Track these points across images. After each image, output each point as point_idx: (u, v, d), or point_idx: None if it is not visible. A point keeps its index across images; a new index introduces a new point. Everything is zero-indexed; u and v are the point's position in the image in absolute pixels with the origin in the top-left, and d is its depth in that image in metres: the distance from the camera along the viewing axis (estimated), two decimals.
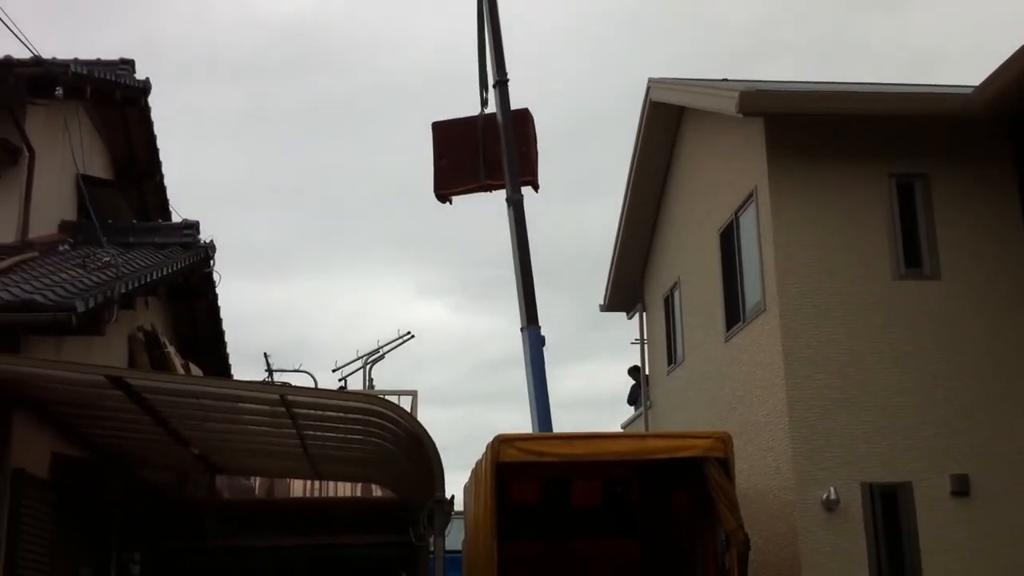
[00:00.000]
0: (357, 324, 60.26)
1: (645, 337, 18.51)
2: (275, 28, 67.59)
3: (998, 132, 12.25)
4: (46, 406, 9.66)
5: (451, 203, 17.62)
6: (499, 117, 16.82)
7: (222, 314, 15.74)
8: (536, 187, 17.13)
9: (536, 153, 17.33)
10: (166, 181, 15.71)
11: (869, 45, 61.69)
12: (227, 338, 16.39)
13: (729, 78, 14.55)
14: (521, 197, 16.55)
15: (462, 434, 50.31)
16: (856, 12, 64.16)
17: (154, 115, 14.75)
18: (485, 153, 17.10)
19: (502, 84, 16.89)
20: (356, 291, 63.17)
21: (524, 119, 17.21)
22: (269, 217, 67.38)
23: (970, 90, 11.79)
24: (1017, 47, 11.00)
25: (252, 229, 62.24)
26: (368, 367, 29.71)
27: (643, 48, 66.22)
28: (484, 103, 17.36)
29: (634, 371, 19.56)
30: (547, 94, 63.71)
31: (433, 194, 17.50)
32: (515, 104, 17.02)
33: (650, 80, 15.70)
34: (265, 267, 62.92)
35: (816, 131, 12.19)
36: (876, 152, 12.24)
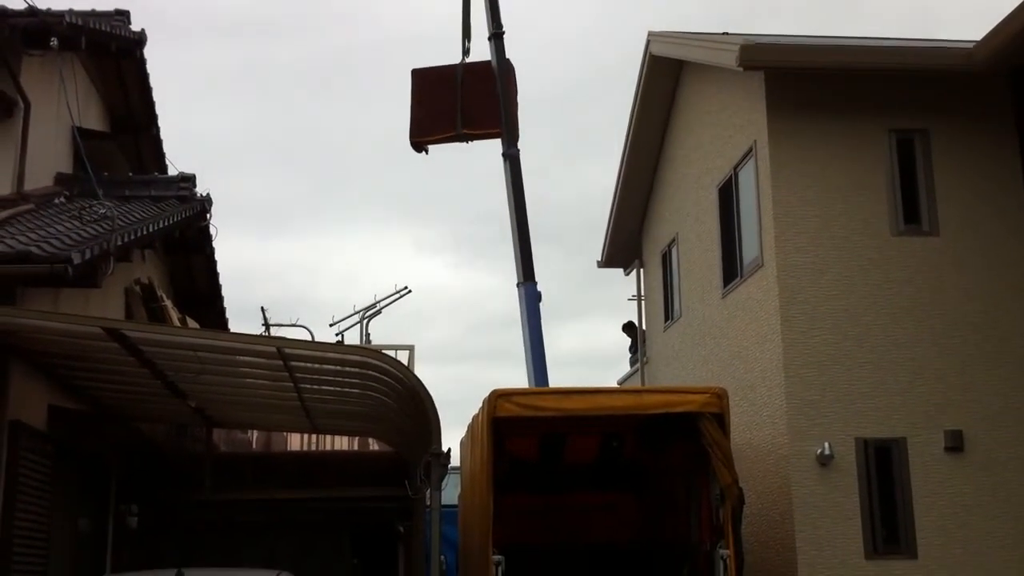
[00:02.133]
0: (354, 281, 60.21)
1: (643, 293, 18.52)
2: None
3: (999, 87, 12.19)
4: (43, 358, 9.66)
5: (427, 152, 17.38)
6: (494, 69, 16.68)
7: (219, 268, 15.74)
8: (516, 139, 16.91)
9: (516, 106, 17.16)
10: (163, 136, 15.64)
11: (868, 4, 61.20)
12: (224, 293, 16.39)
13: (729, 32, 14.45)
14: (517, 151, 16.47)
15: (459, 390, 50.52)
16: None
17: (150, 70, 14.67)
18: (463, 102, 16.89)
19: (497, 37, 16.75)
20: (353, 248, 63.09)
21: (507, 72, 17.03)
22: (266, 174, 67.14)
23: (971, 45, 11.71)
24: (1018, 3, 10.92)
25: (249, 186, 62.07)
26: (365, 322, 29.66)
27: (642, 7, 65.69)
28: (466, 52, 17.19)
29: (628, 327, 19.58)
30: (546, 52, 63.31)
31: (409, 142, 17.27)
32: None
33: (650, 34, 15.58)
34: (262, 224, 62.82)
35: (816, 86, 12.12)
36: (876, 107, 12.17)
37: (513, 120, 16.80)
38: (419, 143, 17.22)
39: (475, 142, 17.07)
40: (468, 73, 16.91)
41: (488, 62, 16.96)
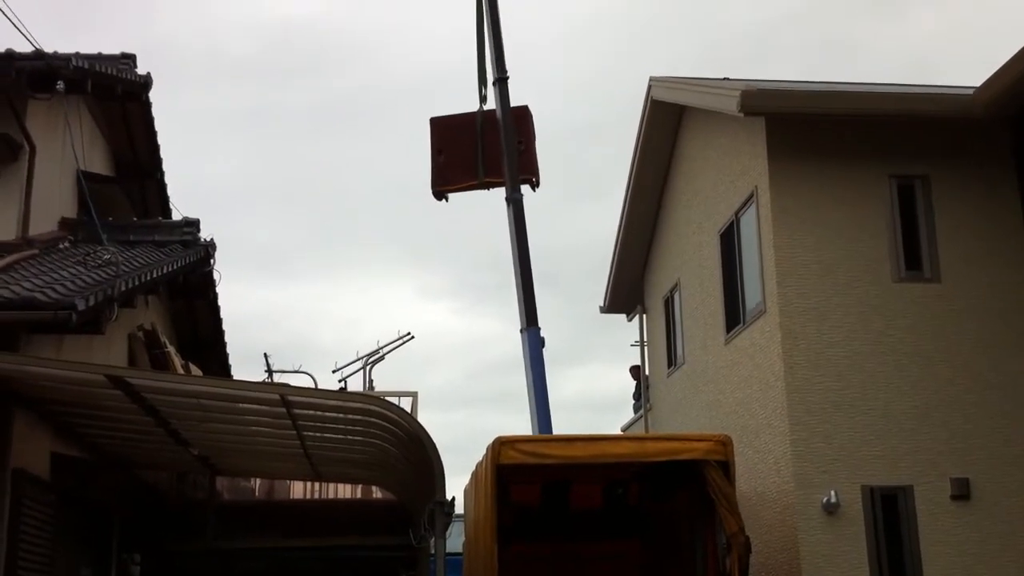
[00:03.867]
0: (357, 327, 60.21)
1: (645, 339, 18.49)
2: (278, 28, 67.59)
3: (999, 133, 12.24)
4: (46, 405, 9.63)
5: (447, 200, 17.49)
6: (499, 114, 16.77)
7: (222, 314, 15.73)
8: (536, 184, 17.05)
9: (535, 149, 17.26)
10: (167, 179, 15.70)
11: (869, 51, 61.72)
12: (227, 339, 16.38)
13: (730, 78, 14.54)
14: (521, 196, 16.49)
15: (462, 437, 50.20)
16: (856, 18, 64.23)
17: (156, 113, 14.75)
18: (483, 150, 17.01)
19: (502, 81, 16.84)
20: (356, 294, 63.09)
21: (524, 116, 17.13)
22: (270, 218, 67.34)
23: (971, 91, 11.78)
24: (1018, 49, 11.00)
25: (253, 230, 62.22)
26: (368, 368, 29.63)
27: (643, 53, 66.17)
28: (483, 100, 17.28)
29: (635, 370, 19.55)
30: (548, 96, 63.74)
31: (430, 191, 17.41)
32: (514, 102, 16.98)
33: (651, 79, 15.68)
34: (266, 268, 62.85)
35: (817, 131, 12.18)
36: (877, 153, 12.22)
37: (531, 165, 16.85)
38: (440, 191, 17.33)
39: (495, 189, 17.13)
40: (488, 121, 17.02)
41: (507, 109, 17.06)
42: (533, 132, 17.25)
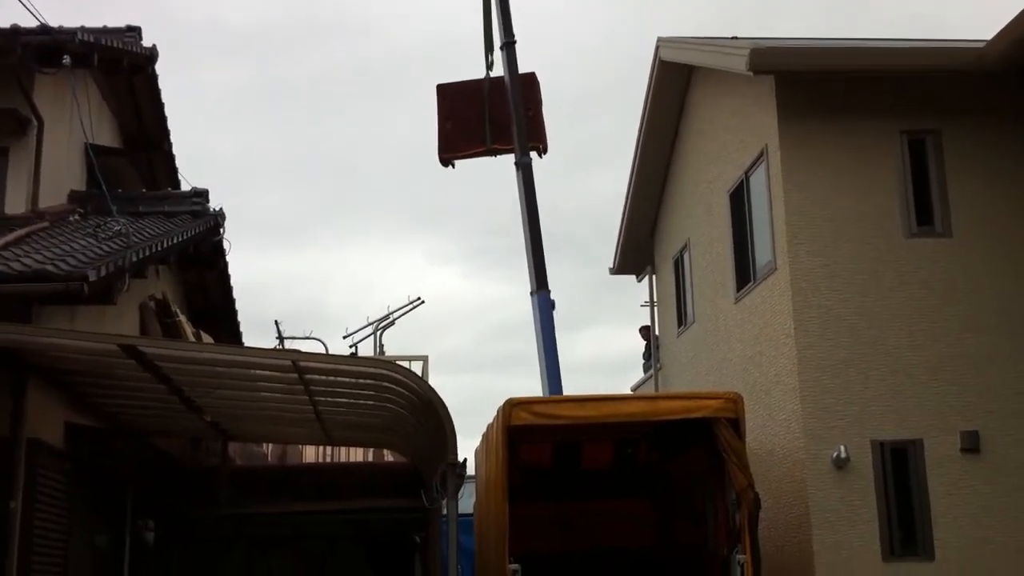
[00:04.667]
0: (368, 293, 60.43)
1: (655, 299, 18.51)
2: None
3: (1010, 87, 12.15)
4: (59, 376, 9.70)
5: (454, 167, 17.54)
6: (506, 79, 16.72)
7: (232, 283, 15.78)
8: (544, 150, 17.05)
9: (542, 116, 17.24)
10: (176, 152, 15.70)
11: (876, 8, 61.10)
12: (238, 307, 16.43)
13: (739, 37, 14.45)
14: (530, 160, 16.49)
15: (473, 400, 50.48)
16: None
17: (163, 88, 14.74)
18: (490, 117, 16.99)
19: (509, 46, 16.78)
20: (366, 261, 63.25)
21: (531, 82, 17.11)
22: (278, 188, 67.38)
23: (982, 44, 11.68)
24: None
25: (262, 200, 62.28)
26: (379, 333, 29.70)
27: (650, 18, 65.74)
28: (490, 66, 17.26)
29: (645, 331, 19.58)
30: (556, 61, 63.36)
31: (437, 158, 17.42)
32: (521, 68, 16.92)
33: (659, 39, 15.59)
34: (275, 238, 63.01)
35: (827, 89, 12.11)
36: (887, 109, 12.16)
37: (539, 130, 16.86)
38: (447, 158, 17.33)
39: (501, 156, 17.12)
40: (495, 88, 16.97)
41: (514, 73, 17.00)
42: (540, 98, 17.24)
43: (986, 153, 12.11)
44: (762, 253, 12.67)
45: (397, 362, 12.18)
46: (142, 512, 12.45)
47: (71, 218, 12.03)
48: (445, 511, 9.27)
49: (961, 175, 12.05)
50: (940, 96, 12.19)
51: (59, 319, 9.51)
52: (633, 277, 19.71)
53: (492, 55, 17.17)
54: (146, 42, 14.20)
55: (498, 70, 17.14)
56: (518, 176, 16.46)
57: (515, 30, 16.89)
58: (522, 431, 10.87)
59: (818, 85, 12.10)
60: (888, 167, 12.03)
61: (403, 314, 30.13)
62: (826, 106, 12.11)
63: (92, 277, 8.72)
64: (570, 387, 14.89)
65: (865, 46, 13.14)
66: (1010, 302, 11.80)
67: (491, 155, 17.20)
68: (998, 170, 12.08)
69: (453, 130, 17.23)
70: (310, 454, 18.13)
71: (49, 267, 8.80)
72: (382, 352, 28.55)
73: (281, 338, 29.30)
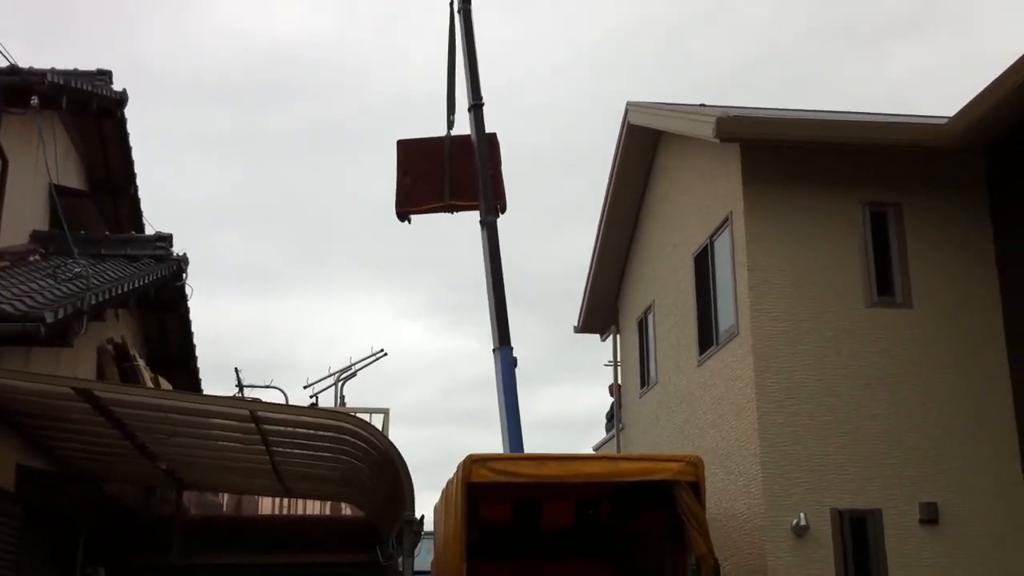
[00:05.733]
0: (332, 345, 59.98)
1: (618, 359, 18.51)
2: (258, 52, 67.61)
3: (972, 163, 12.37)
4: (13, 417, 9.54)
5: (410, 222, 17.63)
6: (473, 140, 16.92)
7: (194, 329, 15.65)
8: (503, 208, 17.21)
9: (502, 175, 17.42)
10: (142, 196, 15.65)
11: (843, 87, 62.38)
12: (199, 354, 16.30)
13: (707, 104, 14.63)
14: (495, 219, 16.61)
15: (434, 454, 50.13)
16: (829, 57, 65.03)
17: (134, 132, 14.74)
18: (450, 174, 17.17)
19: (477, 108, 17.02)
20: (332, 313, 62.92)
21: (491, 143, 17.33)
22: (247, 238, 67.08)
23: (945, 121, 11.90)
24: (992, 80, 11.13)
25: (230, 249, 61.96)
26: (340, 384, 29.50)
27: (622, 84, 66.66)
28: (451, 125, 17.49)
29: (615, 389, 19.56)
30: (526, 122, 63.97)
31: (394, 212, 17.52)
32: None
33: (628, 103, 15.76)
34: (242, 287, 62.63)
35: (791, 158, 12.27)
36: (851, 180, 12.32)
37: (499, 189, 17.02)
38: (404, 212, 17.43)
39: (459, 213, 17.26)
40: (455, 146, 17.16)
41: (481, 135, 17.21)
42: (500, 158, 17.44)
43: (947, 227, 12.28)
44: (725, 317, 12.73)
45: (357, 414, 12.09)
46: (93, 559, 12.20)
47: (31, 258, 11.91)
48: (401, 568, 9.15)
49: (922, 247, 12.20)
50: (902, 170, 12.38)
51: (14, 360, 9.36)
52: (598, 336, 19.73)
53: (453, 115, 17.41)
54: (117, 86, 14.22)
55: (458, 129, 17.38)
56: (483, 234, 16.55)
57: (487, 91, 17.12)
58: (482, 488, 10.78)
59: (783, 154, 12.26)
60: (850, 237, 12.16)
61: (365, 365, 29.99)
62: (791, 175, 12.26)
63: (49, 319, 8.62)
64: (532, 444, 14.84)
65: (830, 118, 13.34)
66: (969, 375, 11.89)
67: (448, 211, 17.36)
68: (959, 243, 12.25)
69: (412, 185, 17.39)
70: (266, 505, 17.89)
71: (6, 307, 8.68)
72: (343, 403, 28.33)
73: (241, 386, 29.01)
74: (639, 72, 66.49)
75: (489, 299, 16.24)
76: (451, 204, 17.21)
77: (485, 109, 17.05)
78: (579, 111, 70.11)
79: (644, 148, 16.07)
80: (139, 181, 15.47)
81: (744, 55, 65.31)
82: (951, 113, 11.87)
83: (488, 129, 17.10)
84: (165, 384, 13.78)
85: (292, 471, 11.64)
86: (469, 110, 17.08)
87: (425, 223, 17.67)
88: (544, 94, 66.94)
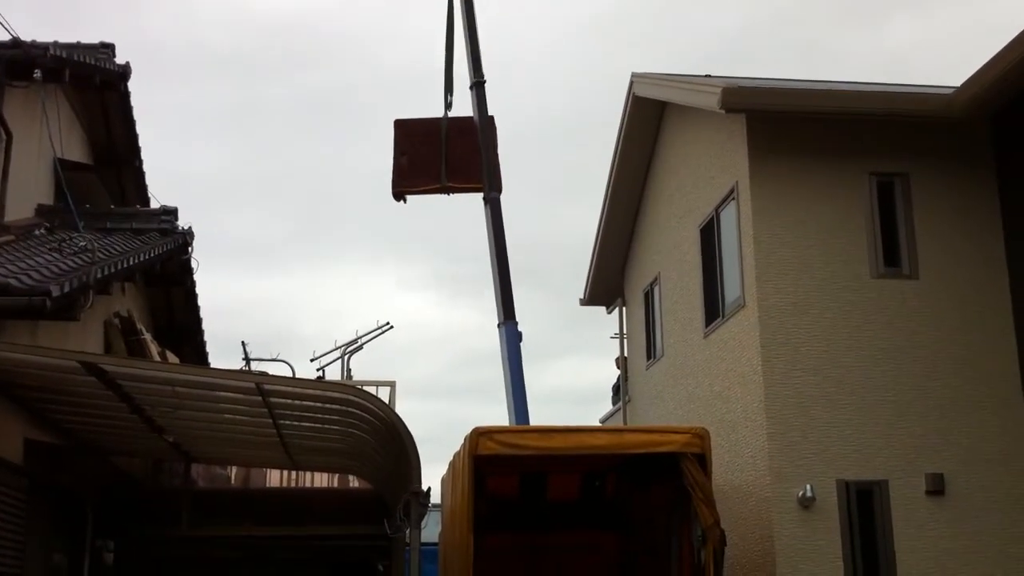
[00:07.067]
0: (337, 318, 60.12)
1: (624, 332, 18.51)
2: (262, 23, 67.30)
3: (978, 132, 12.30)
4: (19, 391, 9.56)
5: (405, 201, 17.63)
6: (476, 118, 16.90)
7: (200, 303, 15.67)
8: (499, 191, 17.21)
9: (497, 159, 17.42)
10: (147, 169, 15.62)
11: (847, 56, 61.98)
12: (205, 328, 16.33)
13: (712, 75, 14.55)
14: (498, 195, 16.63)
15: (440, 427, 50.26)
16: (833, 25, 64.60)
17: (138, 107, 14.70)
18: (447, 155, 17.14)
19: (479, 86, 16.98)
20: (337, 286, 63.00)
21: (489, 125, 17.30)
22: (252, 211, 67.06)
23: (951, 91, 11.83)
24: (999, 49, 11.06)
25: (235, 222, 62.02)
26: (347, 357, 29.50)
27: (625, 57, 66.37)
28: (448, 106, 17.45)
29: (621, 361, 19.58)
30: (531, 93, 63.70)
31: (390, 191, 17.52)
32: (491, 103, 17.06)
33: (633, 75, 15.68)
34: (247, 260, 62.68)
35: (798, 129, 12.20)
36: (857, 151, 12.26)
37: (495, 170, 16.99)
38: (400, 192, 17.42)
39: (456, 194, 17.28)
40: (452, 127, 17.14)
41: (471, 117, 17.19)
42: (496, 141, 17.42)
43: (954, 197, 12.23)
44: (731, 289, 12.70)
45: (364, 387, 12.10)
46: (102, 532, 12.28)
47: (37, 232, 11.92)
48: (408, 540, 9.19)
49: (929, 218, 12.16)
50: (909, 140, 12.32)
51: (21, 334, 9.38)
52: (603, 309, 19.73)
53: (451, 96, 17.37)
54: (120, 59, 14.18)
55: (456, 110, 17.35)
56: (486, 210, 16.58)
57: (493, 65, 17.07)
58: (489, 460, 10.81)
59: (789, 125, 12.19)
60: (857, 208, 12.12)
61: (371, 338, 29.99)
62: (796, 146, 12.20)
63: (55, 292, 8.62)
64: (539, 417, 14.91)
65: (836, 89, 13.26)
66: (974, 345, 11.88)
67: (445, 192, 17.35)
68: (966, 213, 12.20)
69: (408, 165, 17.37)
70: (274, 477, 17.98)
71: (12, 281, 8.68)
72: (349, 376, 28.37)
73: (248, 359, 29.03)
74: (642, 44, 66.18)
75: (493, 274, 16.28)
76: (447, 186, 17.22)
77: (487, 86, 17.01)
78: (582, 83, 69.84)
79: (649, 120, 16.00)
80: (144, 155, 15.47)
81: (744, 24, 64.91)
82: (953, 83, 11.80)
83: (489, 107, 17.07)
84: (172, 358, 13.81)
85: (299, 444, 11.68)
86: (471, 88, 17.04)
87: (427, 197, 17.68)
88: (544, 68, 66.69)
